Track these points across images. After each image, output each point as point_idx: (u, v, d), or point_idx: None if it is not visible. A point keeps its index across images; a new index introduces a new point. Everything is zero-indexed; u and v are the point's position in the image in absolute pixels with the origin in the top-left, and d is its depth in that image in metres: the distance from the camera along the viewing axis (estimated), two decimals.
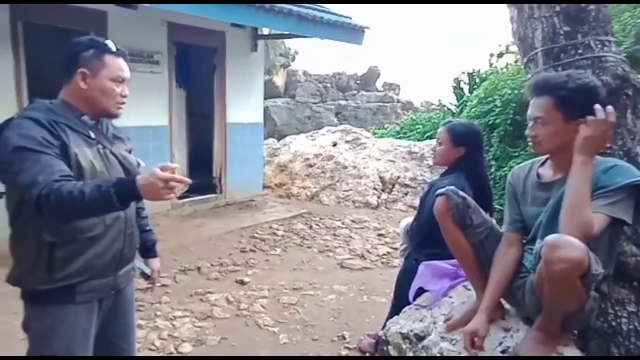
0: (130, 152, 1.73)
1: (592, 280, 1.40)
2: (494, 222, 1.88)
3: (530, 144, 1.65)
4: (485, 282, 1.76)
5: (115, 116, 1.61)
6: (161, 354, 2.85)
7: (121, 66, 1.57)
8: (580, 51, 1.88)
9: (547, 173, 1.70)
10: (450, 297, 2.13)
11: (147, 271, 1.89)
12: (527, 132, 1.63)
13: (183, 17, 5.06)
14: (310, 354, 2.90)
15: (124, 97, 1.59)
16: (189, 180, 1.46)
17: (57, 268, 1.48)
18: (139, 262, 1.84)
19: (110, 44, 1.57)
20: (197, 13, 4.58)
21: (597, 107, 1.45)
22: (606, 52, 1.86)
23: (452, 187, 1.83)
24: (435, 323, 1.99)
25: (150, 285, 1.95)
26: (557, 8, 1.91)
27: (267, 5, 5.00)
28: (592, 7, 1.86)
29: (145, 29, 5.14)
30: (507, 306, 1.84)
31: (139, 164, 1.73)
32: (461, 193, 1.80)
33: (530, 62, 2.06)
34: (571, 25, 1.89)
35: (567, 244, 1.32)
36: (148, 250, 1.89)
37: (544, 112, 1.56)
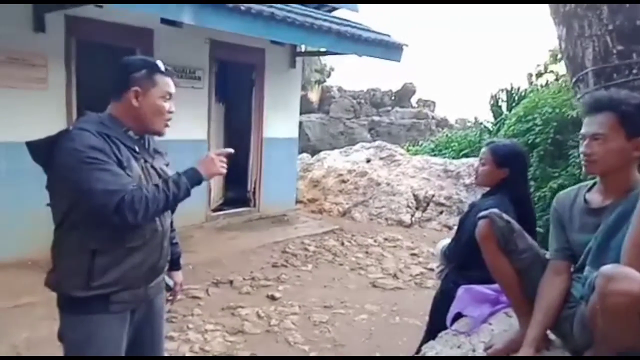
0: (167, 165, 1.78)
1: None
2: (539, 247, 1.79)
3: (583, 162, 1.58)
4: (530, 310, 1.67)
5: (161, 133, 1.67)
6: None
7: (169, 83, 1.64)
8: (634, 71, 1.79)
9: (596, 198, 1.61)
10: (490, 324, 2.04)
11: (170, 283, 1.90)
12: (581, 149, 1.55)
13: (225, 35, 5.21)
14: None
15: (171, 112, 1.65)
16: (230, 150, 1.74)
17: (95, 275, 1.51)
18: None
19: (160, 63, 1.63)
20: (240, 31, 4.69)
21: None
22: None
23: (496, 210, 1.76)
24: (474, 350, 1.90)
25: (170, 297, 1.96)
26: (610, 26, 1.84)
27: (307, 23, 5.07)
28: None
29: (189, 46, 5.31)
30: (552, 336, 1.74)
31: None
32: (505, 216, 1.73)
33: (579, 82, 1.98)
34: (625, 44, 1.82)
35: (625, 276, 1.24)
36: (172, 263, 1.91)
37: (605, 128, 1.49)
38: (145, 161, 1.64)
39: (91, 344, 1.56)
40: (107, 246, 1.52)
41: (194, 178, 1.59)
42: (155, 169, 1.66)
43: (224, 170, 1.66)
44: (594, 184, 1.64)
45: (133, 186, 1.49)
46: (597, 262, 1.50)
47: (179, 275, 1.95)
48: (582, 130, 1.57)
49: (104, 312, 1.56)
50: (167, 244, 1.71)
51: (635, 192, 1.48)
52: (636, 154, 1.50)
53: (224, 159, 1.67)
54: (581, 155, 1.58)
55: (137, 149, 1.61)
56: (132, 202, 1.44)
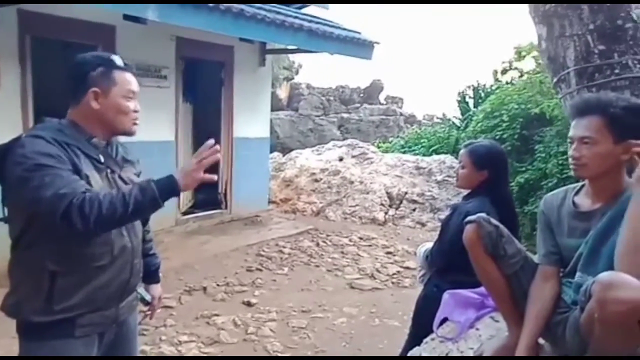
0: (139, 175, 1.65)
1: None
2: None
3: (572, 166, 1.55)
4: (520, 316, 1.64)
5: (131, 133, 1.54)
6: None
7: (130, 80, 1.51)
8: (616, 71, 1.79)
9: (585, 201, 1.59)
10: (477, 329, 2.01)
11: (147, 297, 1.77)
12: (570, 153, 1.53)
13: (192, 32, 5.01)
14: None
15: (136, 112, 1.53)
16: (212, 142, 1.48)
17: (57, 298, 1.39)
18: (138, 287, 1.73)
19: (116, 59, 1.50)
20: (208, 28, 4.52)
21: None
22: None
23: (483, 214, 1.72)
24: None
25: (148, 312, 1.84)
26: (591, 26, 1.83)
27: (278, 20, 4.95)
28: (630, 24, 1.78)
29: (153, 43, 5.08)
30: (541, 341, 1.72)
31: None
32: (493, 220, 1.69)
33: (560, 82, 1.97)
34: (606, 43, 1.81)
35: (624, 284, 1.21)
36: (150, 275, 1.78)
37: (592, 132, 1.47)
38: (112, 171, 1.51)
39: None
40: (70, 266, 1.40)
41: (167, 187, 1.35)
42: (123, 180, 1.54)
43: (208, 177, 1.45)
44: (582, 186, 1.62)
45: (87, 191, 1.32)
46: (589, 268, 1.48)
47: (157, 289, 1.82)
48: (570, 133, 1.55)
49: (68, 337, 1.43)
50: (138, 260, 1.59)
51: (625, 196, 1.46)
52: (625, 157, 1.48)
53: (206, 159, 1.43)
54: (570, 159, 1.55)
55: (101, 158, 1.49)
56: (82, 207, 1.27)
